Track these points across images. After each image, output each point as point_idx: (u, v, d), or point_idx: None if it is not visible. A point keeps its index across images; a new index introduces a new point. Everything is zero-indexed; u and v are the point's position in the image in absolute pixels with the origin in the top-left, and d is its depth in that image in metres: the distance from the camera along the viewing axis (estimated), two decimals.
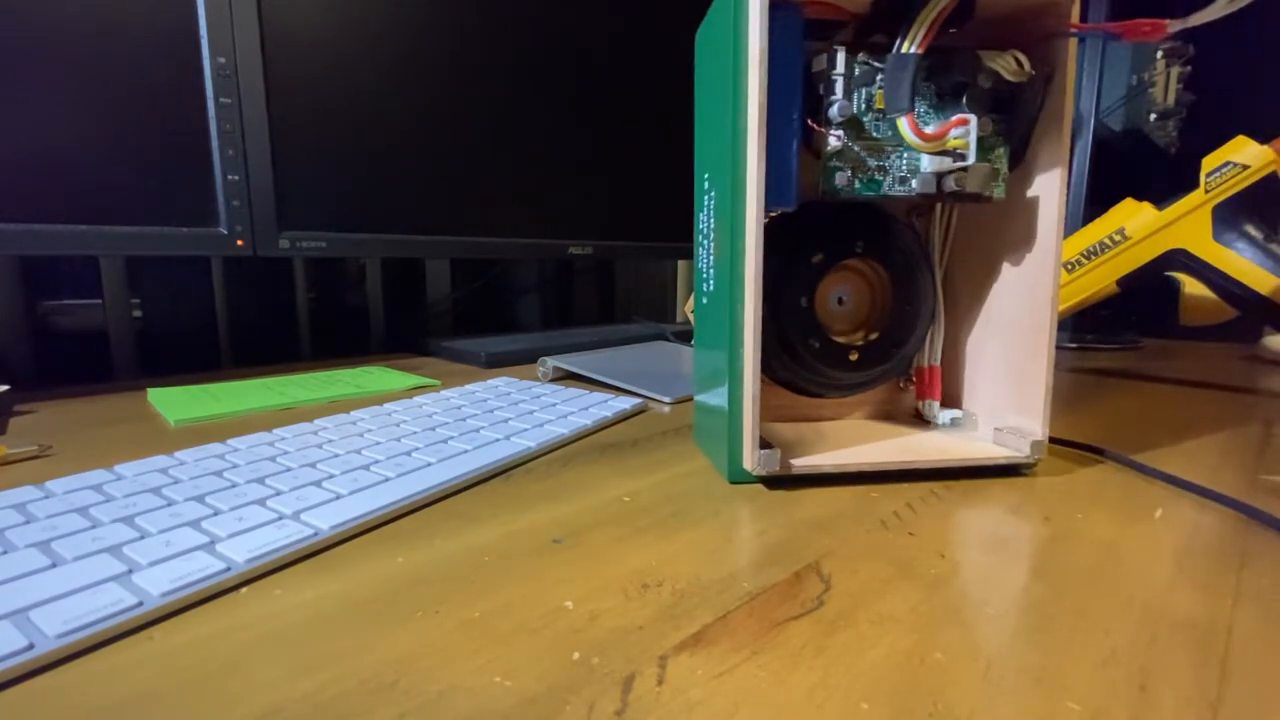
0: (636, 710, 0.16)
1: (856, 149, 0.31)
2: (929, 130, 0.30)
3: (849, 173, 0.31)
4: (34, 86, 0.47)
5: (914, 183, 0.31)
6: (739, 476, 0.32)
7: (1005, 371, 0.35)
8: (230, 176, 0.55)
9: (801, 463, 0.32)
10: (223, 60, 0.54)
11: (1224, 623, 0.20)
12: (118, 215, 0.51)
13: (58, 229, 0.48)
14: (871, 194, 0.32)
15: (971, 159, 0.30)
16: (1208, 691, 0.17)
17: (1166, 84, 0.92)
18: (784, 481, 0.32)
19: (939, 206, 0.38)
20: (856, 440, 0.36)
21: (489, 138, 0.72)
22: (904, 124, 0.30)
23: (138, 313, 0.65)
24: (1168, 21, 0.27)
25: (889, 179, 0.32)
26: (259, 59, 0.56)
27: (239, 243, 0.56)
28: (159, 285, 0.66)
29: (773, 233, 0.36)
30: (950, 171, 0.31)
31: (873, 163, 0.31)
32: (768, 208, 0.30)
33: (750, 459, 0.31)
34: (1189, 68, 0.92)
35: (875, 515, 0.28)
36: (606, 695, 0.17)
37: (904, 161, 0.31)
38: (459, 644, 0.19)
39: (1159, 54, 0.91)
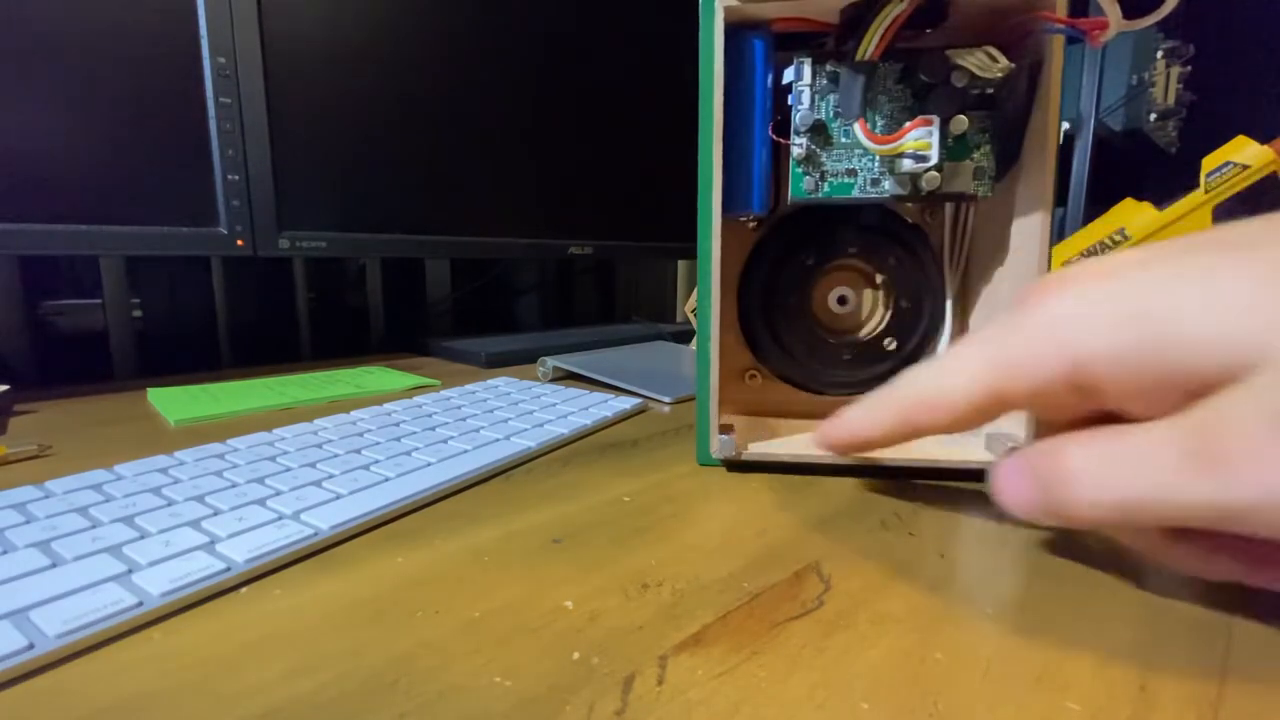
0: (636, 710, 0.16)
1: (822, 155, 0.32)
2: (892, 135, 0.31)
3: (815, 178, 0.32)
4: (34, 86, 0.47)
5: (885, 184, 0.32)
6: (705, 460, 0.34)
7: None
8: (230, 176, 0.55)
9: (757, 448, 0.33)
10: (223, 60, 0.54)
11: (1224, 623, 0.20)
12: (118, 215, 0.51)
13: (58, 229, 0.48)
14: (842, 197, 0.32)
15: (934, 160, 0.30)
16: (1208, 691, 0.17)
17: (1166, 84, 0.92)
18: (777, 472, 0.32)
19: (948, 206, 0.38)
20: None
21: (489, 137, 0.72)
22: (858, 129, 0.30)
23: (138, 313, 0.65)
24: (1110, 21, 0.27)
25: (860, 181, 0.32)
26: (259, 59, 0.56)
27: (239, 243, 0.56)
28: (159, 285, 0.66)
29: (771, 234, 0.37)
30: (923, 173, 0.31)
31: (841, 166, 0.32)
32: (737, 213, 0.33)
33: (713, 444, 0.33)
34: (1189, 68, 0.92)
35: (875, 515, 0.28)
36: (606, 695, 0.17)
37: (876, 164, 0.32)
38: (459, 644, 0.19)
39: (1159, 54, 0.91)
